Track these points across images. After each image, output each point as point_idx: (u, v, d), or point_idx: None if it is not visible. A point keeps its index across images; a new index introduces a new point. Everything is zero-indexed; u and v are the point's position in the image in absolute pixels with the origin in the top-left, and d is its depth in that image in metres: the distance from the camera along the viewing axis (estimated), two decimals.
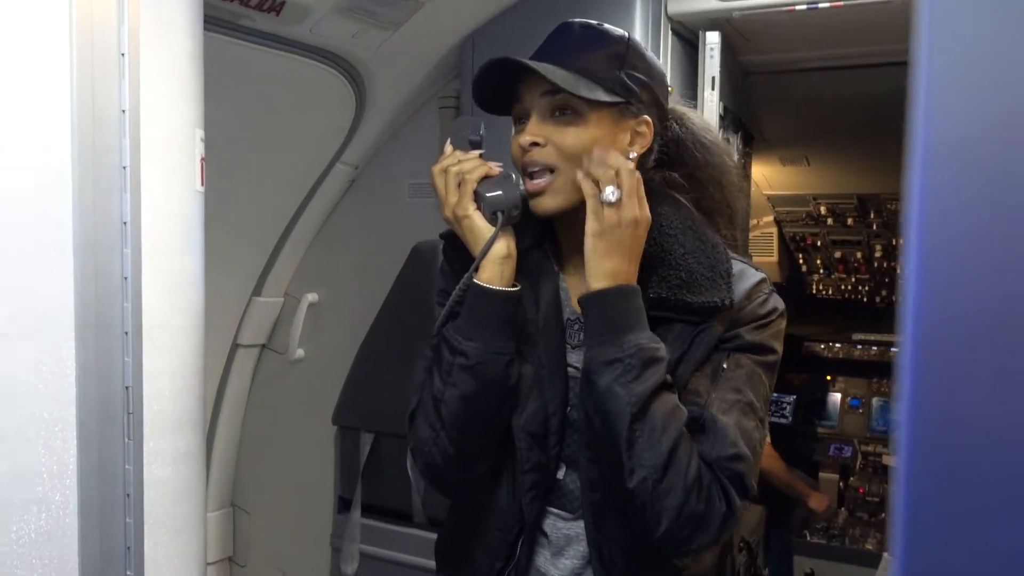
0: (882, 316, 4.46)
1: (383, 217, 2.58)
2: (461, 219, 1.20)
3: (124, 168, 1.13)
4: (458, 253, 1.26)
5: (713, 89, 2.10)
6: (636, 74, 1.20)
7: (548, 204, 1.19)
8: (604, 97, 1.16)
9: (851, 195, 4.07)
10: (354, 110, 2.37)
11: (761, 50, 2.34)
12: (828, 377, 4.13)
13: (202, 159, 1.31)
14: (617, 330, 1.11)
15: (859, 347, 4.18)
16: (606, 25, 1.23)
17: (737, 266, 1.23)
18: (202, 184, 1.32)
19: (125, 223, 1.13)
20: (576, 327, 1.25)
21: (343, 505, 2.41)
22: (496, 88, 1.21)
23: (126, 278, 1.13)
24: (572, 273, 1.28)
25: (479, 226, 1.19)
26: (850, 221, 4.25)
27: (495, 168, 1.22)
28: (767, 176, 3.93)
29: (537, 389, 1.22)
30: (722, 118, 2.14)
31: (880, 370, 4.04)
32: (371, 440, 2.35)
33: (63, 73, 1.06)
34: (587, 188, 1.13)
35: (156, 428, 1.19)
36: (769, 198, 4.18)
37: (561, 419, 1.22)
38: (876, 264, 4.47)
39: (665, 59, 2.09)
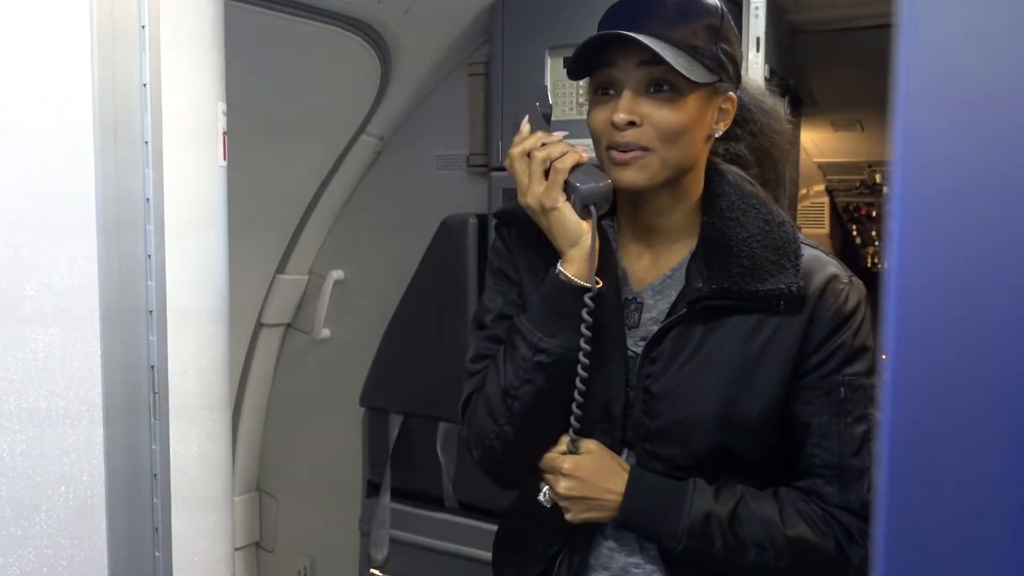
0: None
1: (410, 191, 2.59)
2: (549, 211, 1.17)
3: (146, 143, 1.14)
4: (521, 234, 1.27)
5: (758, 51, 2.07)
6: (728, 48, 1.18)
7: (635, 179, 1.16)
8: (705, 78, 1.14)
9: None
10: (379, 79, 2.37)
11: (810, 7, 2.31)
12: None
13: (224, 133, 1.34)
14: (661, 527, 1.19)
15: None
16: None
17: (807, 251, 1.21)
18: (224, 159, 1.35)
19: (148, 199, 1.15)
20: (632, 307, 1.25)
21: (372, 489, 2.45)
22: (586, 55, 1.16)
23: (150, 256, 1.16)
24: (630, 251, 1.28)
25: (569, 219, 1.17)
26: None
27: (585, 155, 1.19)
28: (817, 142, 3.88)
29: (597, 372, 1.21)
30: (768, 81, 2.12)
31: None
32: (400, 422, 2.39)
33: (83, 47, 1.08)
34: None
35: (181, 408, 1.22)
36: (820, 166, 4.13)
37: (623, 402, 1.22)
38: None
39: None
